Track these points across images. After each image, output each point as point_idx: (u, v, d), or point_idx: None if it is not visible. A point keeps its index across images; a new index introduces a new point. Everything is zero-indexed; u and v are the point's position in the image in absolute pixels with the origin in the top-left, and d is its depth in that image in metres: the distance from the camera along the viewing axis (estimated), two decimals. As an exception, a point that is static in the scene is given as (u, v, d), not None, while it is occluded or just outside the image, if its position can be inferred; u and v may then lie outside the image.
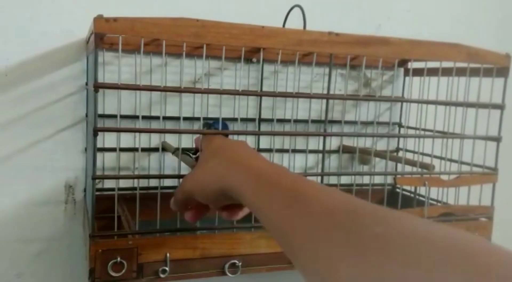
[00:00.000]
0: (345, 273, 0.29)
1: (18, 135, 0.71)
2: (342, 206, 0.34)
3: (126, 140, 0.74)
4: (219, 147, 0.52)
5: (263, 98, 0.83)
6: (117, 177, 0.61)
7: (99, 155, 0.74)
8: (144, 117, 0.75)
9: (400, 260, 0.26)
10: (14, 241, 0.73)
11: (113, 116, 0.71)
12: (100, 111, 0.73)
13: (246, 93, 0.68)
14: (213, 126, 0.66)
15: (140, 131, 0.58)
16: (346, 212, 0.33)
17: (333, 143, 0.89)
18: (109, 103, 0.73)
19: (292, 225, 0.35)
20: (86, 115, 0.74)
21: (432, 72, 0.72)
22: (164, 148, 0.76)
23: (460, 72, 0.70)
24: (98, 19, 0.50)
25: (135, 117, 0.73)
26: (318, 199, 0.35)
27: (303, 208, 0.35)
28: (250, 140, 0.82)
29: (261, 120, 0.83)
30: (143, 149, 0.77)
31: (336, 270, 0.29)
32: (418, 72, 0.73)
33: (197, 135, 0.62)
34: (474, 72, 0.71)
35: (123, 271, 0.54)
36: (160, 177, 0.61)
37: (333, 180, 0.82)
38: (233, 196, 0.44)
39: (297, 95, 0.69)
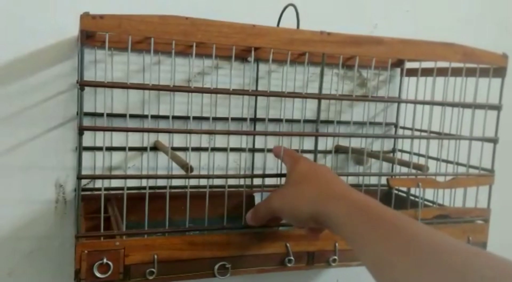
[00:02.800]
0: None
1: (8, 133, 0.71)
2: (446, 246, 0.36)
3: (119, 139, 0.73)
4: (309, 170, 0.55)
5: (259, 97, 0.82)
6: (103, 177, 0.61)
7: (90, 155, 0.73)
8: (137, 116, 0.75)
9: None
10: (5, 240, 0.73)
11: (106, 115, 0.70)
12: (91, 110, 0.72)
13: (237, 92, 0.67)
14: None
15: (128, 130, 0.57)
16: (452, 252, 0.35)
17: (330, 143, 0.88)
18: (101, 101, 0.73)
19: (395, 257, 0.37)
20: (77, 114, 0.73)
21: (429, 72, 0.71)
22: (157, 147, 0.76)
23: (457, 72, 0.69)
24: (85, 17, 0.50)
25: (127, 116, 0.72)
26: (420, 235, 0.38)
27: (407, 243, 0.38)
28: (244, 140, 0.81)
29: (256, 119, 0.82)
30: (136, 149, 0.76)
31: None
32: (414, 72, 0.72)
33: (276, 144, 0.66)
34: (471, 72, 0.70)
35: (109, 272, 0.54)
36: (149, 177, 0.60)
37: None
38: (325, 223, 0.47)
39: (289, 95, 0.68)
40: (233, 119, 0.79)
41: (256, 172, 0.82)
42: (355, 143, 0.86)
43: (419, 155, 0.78)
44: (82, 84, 0.51)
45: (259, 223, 0.58)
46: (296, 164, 0.57)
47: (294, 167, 0.56)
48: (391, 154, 0.90)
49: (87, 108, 0.71)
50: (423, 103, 0.72)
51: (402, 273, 0.36)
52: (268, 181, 0.78)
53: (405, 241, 0.38)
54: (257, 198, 0.76)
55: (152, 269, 0.56)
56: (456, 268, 0.33)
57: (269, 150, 0.67)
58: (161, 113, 0.76)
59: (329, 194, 0.49)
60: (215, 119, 0.77)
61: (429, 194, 0.74)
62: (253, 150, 0.82)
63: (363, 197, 0.48)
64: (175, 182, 0.73)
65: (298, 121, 0.82)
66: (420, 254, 0.36)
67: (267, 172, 0.67)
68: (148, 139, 0.75)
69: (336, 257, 0.65)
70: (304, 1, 0.71)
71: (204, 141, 0.79)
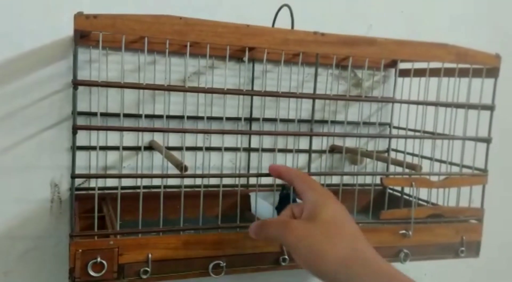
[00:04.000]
0: None
1: (2, 133, 0.71)
2: None
3: (114, 138, 0.74)
4: (340, 217, 0.50)
5: (254, 97, 0.83)
6: (98, 176, 0.61)
7: (85, 154, 0.73)
8: (132, 116, 0.75)
9: None
10: (0, 239, 0.73)
11: (101, 114, 0.70)
12: (86, 109, 0.72)
13: (232, 92, 0.67)
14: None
15: (123, 129, 0.57)
16: None
17: (324, 143, 0.88)
18: (95, 101, 0.73)
19: None
20: (72, 113, 0.73)
21: (422, 72, 0.71)
22: (152, 147, 0.76)
23: (450, 72, 0.70)
24: (78, 16, 0.50)
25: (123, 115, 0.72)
26: None
27: None
28: (239, 140, 0.81)
29: (251, 119, 0.82)
30: (131, 148, 0.76)
31: None
32: (407, 73, 0.72)
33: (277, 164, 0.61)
34: (464, 73, 0.70)
35: (103, 271, 0.54)
36: (144, 176, 0.60)
37: (322, 180, 0.81)
38: None
39: (284, 95, 0.68)
40: (228, 118, 0.79)
41: (251, 171, 0.82)
42: (350, 143, 0.86)
43: (412, 154, 0.78)
44: (76, 83, 0.52)
45: (260, 239, 0.54)
46: (326, 201, 0.51)
47: (324, 205, 0.50)
48: (385, 154, 0.91)
49: (82, 107, 0.71)
50: (417, 103, 0.72)
51: None
52: (264, 180, 0.79)
53: None
54: (253, 198, 0.76)
55: (146, 268, 0.56)
56: None
57: (264, 150, 0.67)
58: (156, 113, 0.76)
59: (361, 258, 0.45)
60: (210, 118, 0.77)
61: (423, 193, 0.74)
62: (248, 150, 0.83)
63: (393, 269, 0.45)
64: (170, 182, 0.73)
65: (293, 121, 0.82)
66: None
67: (262, 171, 0.67)
68: (143, 139, 0.75)
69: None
70: (298, 1, 0.72)
71: (199, 140, 0.80)
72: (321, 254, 0.46)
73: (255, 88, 0.82)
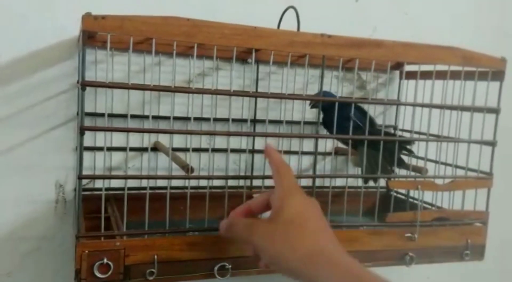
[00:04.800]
0: None
1: (9, 133, 0.71)
2: None
3: (119, 139, 0.74)
4: (304, 211, 0.50)
5: (259, 99, 0.83)
6: (104, 177, 0.61)
7: (90, 154, 0.73)
8: (137, 117, 0.75)
9: None
10: (4, 240, 0.73)
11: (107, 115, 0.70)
12: (91, 110, 0.72)
13: (238, 93, 0.67)
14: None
15: (129, 130, 0.57)
16: None
17: (329, 145, 0.88)
18: (101, 101, 0.73)
19: None
20: (78, 114, 0.73)
21: (428, 75, 0.71)
22: (157, 148, 0.76)
23: (456, 75, 0.70)
24: (86, 17, 0.50)
25: (127, 116, 0.72)
26: None
27: None
28: (244, 141, 0.81)
29: (256, 121, 0.82)
30: (136, 149, 0.76)
31: None
32: (413, 75, 0.72)
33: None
34: (470, 76, 0.70)
35: (110, 272, 0.54)
36: (149, 177, 0.60)
37: (326, 182, 0.81)
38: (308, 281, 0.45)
39: (289, 97, 0.68)
40: (233, 120, 0.79)
41: (255, 173, 0.82)
42: (355, 145, 0.86)
43: (418, 157, 0.78)
44: (83, 84, 0.52)
45: (228, 237, 0.55)
46: (289, 198, 0.51)
47: (286, 202, 0.50)
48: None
49: (88, 108, 0.71)
50: (422, 106, 0.72)
51: None
52: (268, 182, 0.79)
53: None
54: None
55: (152, 270, 0.56)
56: None
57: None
58: (161, 114, 0.76)
59: (324, 255, 0.45)
60: (215, 120, 0.77)
61: (428, 196, 0.74)
62: (253, 151, 0.83)
63: (358, 266, 0.44)
64: (175, 183, 0.73)
65: (298, 123, 0.82)
66: None
67: (266, 173, 0.67)
68: (148, 140, 0.75)
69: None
70: (304, 4, 0.72)
71: (204, 142, 0.80)
72: (282, 254, 0.47)
73: (259, 90, 0.82)
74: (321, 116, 0.69)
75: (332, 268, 0.44)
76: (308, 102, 0.78)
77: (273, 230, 0.49)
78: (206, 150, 0.77)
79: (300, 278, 0.46)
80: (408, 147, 0.72)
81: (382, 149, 0.67)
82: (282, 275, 0.49)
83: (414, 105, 0.70)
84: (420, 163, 0.75)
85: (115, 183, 0.72)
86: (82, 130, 0.52)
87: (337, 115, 0.64)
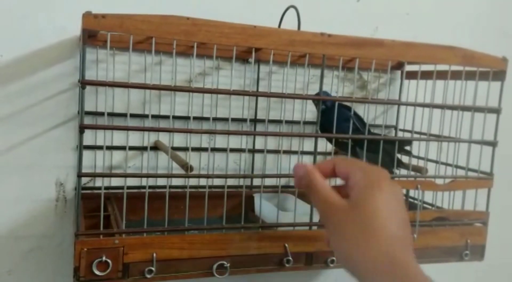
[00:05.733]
0: None
1: (9, 132, 0.71)
2: None
3: (120, 138, 0.74)
4: (381, 217, 0.43)
5: (259, 98, 0.83)
6: (103, 175, 0.61)
7: (91, 153, 0.73)
8: (138, 116, 0.75)
9: None
10: (5, 238, 0.73)
11: (107, 114, 0.70)
12: (92, 109, 0.72)
13: (238, 93, 0.67)
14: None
15: (129, 129, 0.58)
16: None
17: (329, 145, 0.88)
18: (102, 101, 0.73)
19: None
20: (78, 113, 0.73)
21: (429, 75, 0.71)
22: (158, 147, 0.76)
23: (457, 75, 0.70)
24: (87, 16, 0.50)
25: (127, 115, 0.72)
26: None
27: None
28: (244, 141, 0.81)
29: (256, 120, 0.82)
30: (136, 148, 0.76)
31: None
32: (414, 75, 0.72)
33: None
34: (471, 76, 0.70)
35: (108, 270, 0.54)
36: (149, 176, 0.60)
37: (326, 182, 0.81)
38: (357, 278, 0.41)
39: (289, 96, 0.68)
40: (233, 119, 0.79)
41: (255, 172, 0.82)
42: (355, 145, 0.86)
43: (418, 157, 0.78)
44: (84, 83, 0.52)
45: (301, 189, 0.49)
46: (377, 189, 0.45)
47: (374, 193, 0.44)
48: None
49: (88, 107, 0.72)
50: (423, 105, 0.72)
51: None
52: (268, 181, 0.79)
53: None
54: (257, 199, 0.76)
55: (151, 268, 0.56)
56: None
57: (269, 151, 0.67)
58: (161, 113, 0.76)
59: (391, 265, 0.41)
60: (216, 119, 0.77)
61: (428, 196, 0.74)
62: (253, 151, 0.83)
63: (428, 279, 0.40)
64: (175, 182, 0.73)
65: (298, 122, 0.82)
66: None
67: (266, 172, 0.67)
68: (148, 139, 0.75)
69: (334, 258, 0.65)
70: (305, 3, 0.72)
71: (204, 141, 0.80)
72: (351, 250, 0.43)
73: (260, 90, 0.82)
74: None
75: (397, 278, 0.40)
76: (308, 102, 0.78)
77: (351, 219, 0.44)
78: (206, 149, 0.77)
79: (357, 275, 0.42)
80: (406, 148, 0.72)
81: (381, 152, 0.66)
82: (345, 271, 0.44)
83: (414, 105, 0.70)
84: (421, 163, 0.75)
85: (115, 182, 0.72)
86: (82, 128, 0.52)
87: (336, 118, 0.63)
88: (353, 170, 0.47)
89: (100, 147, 0.72)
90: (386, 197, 0.45)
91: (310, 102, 0.82)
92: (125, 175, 0.58)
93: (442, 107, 0.70)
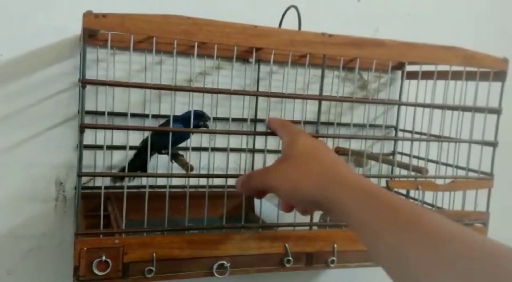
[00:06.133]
0: None
1: (9, 131, 0.71)
2: (475, 245, 0.32)
3: (120, 138, 0.74)
4: (312, 148, 0.50)
5: (260, 98, 0.83)
6: (103, 175, 0.61)
7: (91, 153, 0.73)
8: (138, 115, 0.75)
9: None
10: (5, 238, 0.73)
11: (107, 114, 0.70)
12: (92, 108, 0.72)
13: (238, 92, 0.67)
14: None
15: (129, 128, 0.57)
16: (484, 256, 0.31)
17: (330, 145, 0.88)
18: (102, 100, 0.73)
19: (415, 251, 0.34)
20: (78, 112, 0.73)
21: (429, 75, 0.71)
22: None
23: (457, 75, 0.70)
24: (87, 15, 0.50)
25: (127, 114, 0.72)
26: (441, 227, 0.35)
27: (428, 236, 0.34)
28: (244, 141, 0.81)
29: (257, 120, 0.82)
30: (136, 148, 0.76)
31: None
32: (414, 75, 0.72)
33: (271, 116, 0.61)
34: (471, 76, 0.70)
35: (108, 270, 0.54)
36: (149, 175, 0.60)
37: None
38: (330, 209, 0.44)
39: (290, 96, 0.68)
40: (234, 119, 0.79)
41: (256, 172, 0.82)
42: (355, 145, 0.86)
43: (418, 158, 0.78)
44: (84, 82, 0.52)
45: (247, 192, 0.54)
46: (296, 138, 0.52)
47: (294, 142, 0.51)
48: (391, 157, 0.90)
49: (88, 106, 0.72)
50: (423, 106, 0.72)
51: (424, 270, 0.32)
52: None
53: (427, 233, 0.34)
54: (257, 199, 0.76)
55: (151, 268, 0.56)
56: (486, 273, 0.29)
57: (269, 151, 0.67)
58: (162, 113, 0.76)
59: (337, 178, 0.45)
60: (216, 119, 0.77)
61: (428, 196, 0.74)
62: (253, 151, 0.83)
63: (374, 185, 0.44)
64: (175, 182, 0.73)
65: (298, 122, 0.82)
66: (444, 248, 0.32)
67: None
68: (149, 138, 0.75)
69: (334, 258, 0.65)
70: (306, 3, 0.72)
71: (205, 141, 0.80)
72: (298, 185, 0.47)
73: (260, 89, 0.82)
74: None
75: (349, 190, 0.43)
76: (309, 102, 0.78)
77: (286, 166, 0.49)
78: (206, 149, 0.77)
79: (320, 206, 0.46)
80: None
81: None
82: (301, 206, 0.49)
83: (415, 105, 0.70)
84: (421, 163, 0.75)
85: (115, 182, 0.72)
86: (82, 128, 0.52)
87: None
88: (282, 136, 0.54)
89: (100, 147, 0.72)
90: (307, 140, 0.51)
91: (310, 102, 0.82)
92: (126, 175, 0.58)
93: (442, 107, 0.70)
